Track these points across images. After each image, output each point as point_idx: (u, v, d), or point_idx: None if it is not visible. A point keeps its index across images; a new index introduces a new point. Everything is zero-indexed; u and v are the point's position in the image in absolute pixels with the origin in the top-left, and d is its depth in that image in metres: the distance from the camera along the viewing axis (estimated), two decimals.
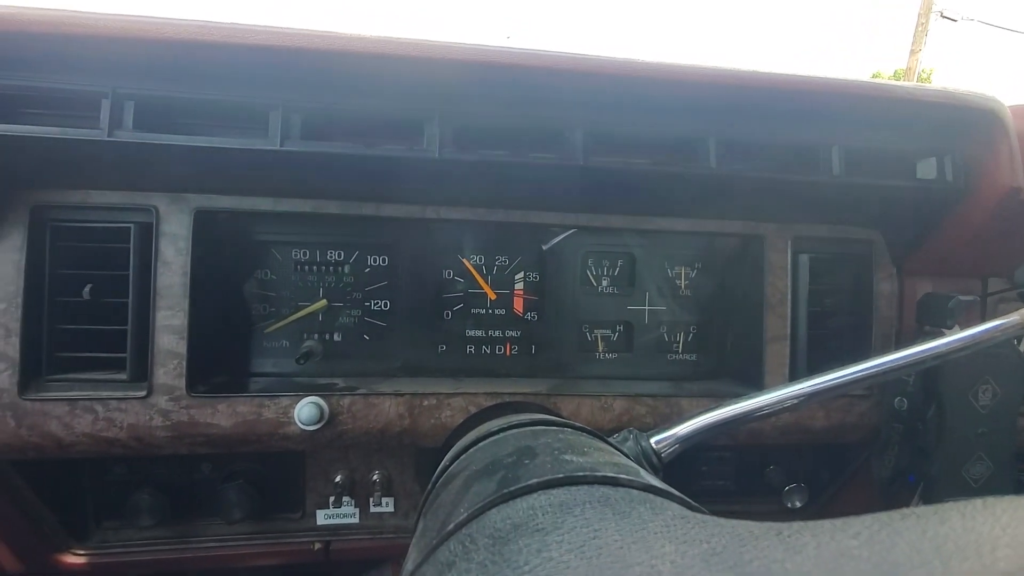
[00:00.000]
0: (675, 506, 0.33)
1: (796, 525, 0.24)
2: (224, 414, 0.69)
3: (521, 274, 0.84)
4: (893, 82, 0.72)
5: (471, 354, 0.83)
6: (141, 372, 0.68)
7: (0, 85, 0.57)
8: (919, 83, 0.95)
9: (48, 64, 0.58)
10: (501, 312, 0.84)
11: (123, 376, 0.67)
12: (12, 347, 0.65)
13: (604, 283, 0.86)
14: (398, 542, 0.82)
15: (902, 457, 0.80)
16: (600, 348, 0.87)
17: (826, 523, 0.23)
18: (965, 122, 0.72)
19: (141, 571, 0.80)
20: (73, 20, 0.54)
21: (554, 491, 0.34)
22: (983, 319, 0.79)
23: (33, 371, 0.66)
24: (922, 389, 0.78)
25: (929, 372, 0.77)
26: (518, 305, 0.84)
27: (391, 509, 0.82)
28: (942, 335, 0.75)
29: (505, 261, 0.84)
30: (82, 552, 0.76)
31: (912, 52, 12.42)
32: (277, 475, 0.80)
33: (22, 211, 0.65)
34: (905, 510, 0.22)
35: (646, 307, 0.87)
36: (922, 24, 12.33)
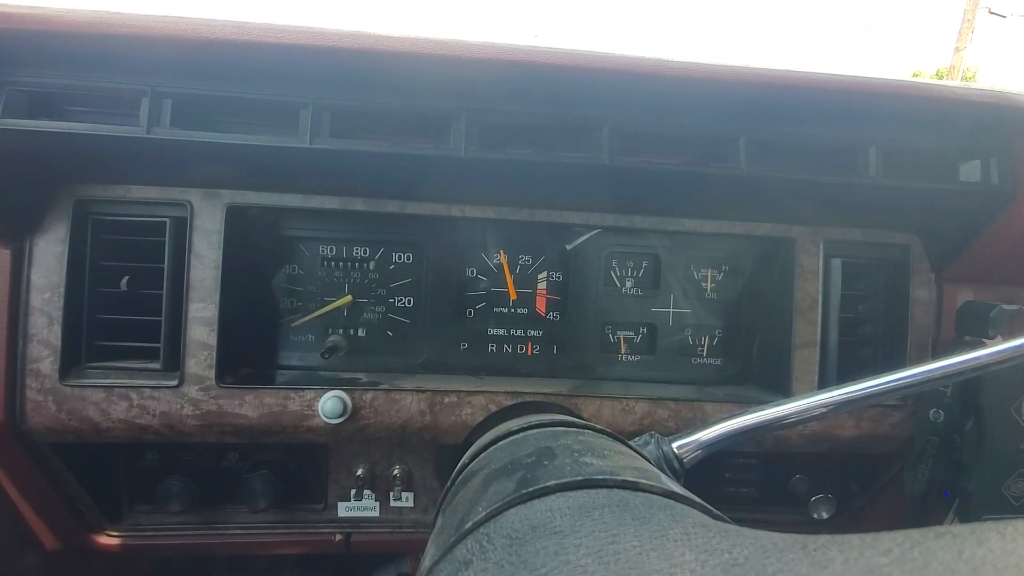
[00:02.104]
0: (696, 513, 0.32)
1: (823, 539, 0.23)
2: (251, 405, 0.70)
3: (544, 274, 0.84)
4: (937, 81, 0.69)
5: (493, 353, 0.83)
6: (173, 362, 0.70)
7: (46, 84, 0.60)
8: (964, 82, 0.91)
9: (91, 64, 0.60)
10: (524, 311, 0.84)
11: (156, 365, 0.70)
12: (54, 335, 0.67)
13: (628, 284, 0.85)
14: (417, 536, 0.83)
15: (936, 471, 0.77)
16: (623, 350, 0.86)
17: (854, 538, 0.22)
18: (1013, 123, 0.69)
19: (170, 554, 0.83)
20: (115, 21, 0.56)
21: (573, 493, 0.34)
22: None
23: (73, 358, 0.69)
24: (960, 401, 0.75)
25: (968, 384, 0.74)
26: (541, 305, 0.84)
27: (410, 504, 0.83)
28: (983, 346, 0.72)
29: (529, 260, 0.83)
30: (116, 533, 0.79)
31: (956, 49, 11.93)
32: (301, 466, 0.82)
33: (66, 204, 0.68)
34: (940, 528, 0.21)
35: (670, 309, 0.86)
36: (968, 20, 11.82)
